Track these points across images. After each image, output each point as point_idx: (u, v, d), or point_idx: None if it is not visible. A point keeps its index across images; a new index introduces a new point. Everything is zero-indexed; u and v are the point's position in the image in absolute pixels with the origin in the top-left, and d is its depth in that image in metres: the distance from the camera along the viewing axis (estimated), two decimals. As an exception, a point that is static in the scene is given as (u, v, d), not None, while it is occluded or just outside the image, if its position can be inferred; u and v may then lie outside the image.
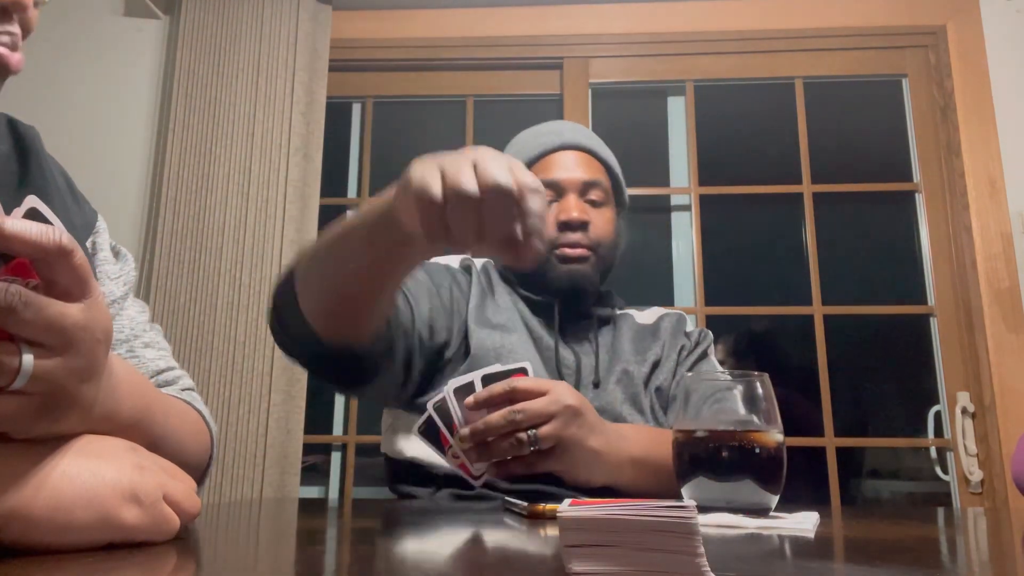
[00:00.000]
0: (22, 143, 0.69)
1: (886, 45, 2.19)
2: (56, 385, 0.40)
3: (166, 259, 1.96)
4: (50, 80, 2.16)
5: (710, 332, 1.23)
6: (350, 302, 0.77)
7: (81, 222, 0.71)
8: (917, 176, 2.14)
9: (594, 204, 1.16)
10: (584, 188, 1.16)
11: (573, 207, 1.13)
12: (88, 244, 0.71)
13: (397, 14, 2.26)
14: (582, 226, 1.13)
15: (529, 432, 0.83)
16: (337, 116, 2.29)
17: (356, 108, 2.37)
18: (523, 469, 0.86)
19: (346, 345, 0.81)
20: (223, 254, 1.96)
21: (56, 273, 0.39)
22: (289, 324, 0.82)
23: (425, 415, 0.86)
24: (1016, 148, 2.02)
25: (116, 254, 0.75)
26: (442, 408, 0.85)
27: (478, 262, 1.20)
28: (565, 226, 1.13)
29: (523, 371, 0.87)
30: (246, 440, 1.87)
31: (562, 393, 0.85)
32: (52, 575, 0.37)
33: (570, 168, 1.16)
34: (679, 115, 2.28)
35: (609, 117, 2.25)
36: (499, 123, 2.35)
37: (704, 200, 2.18)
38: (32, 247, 0.38)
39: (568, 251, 1.12)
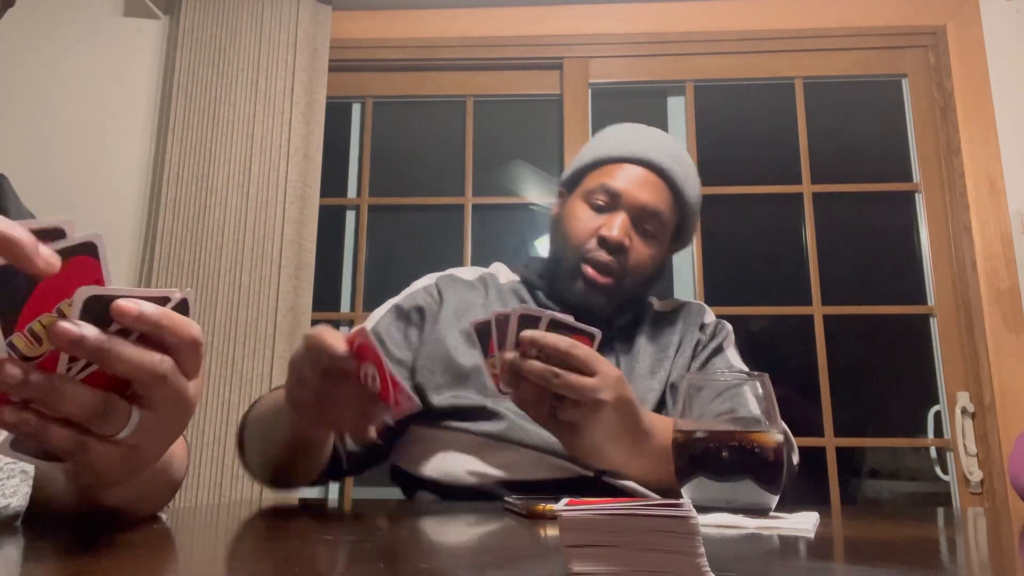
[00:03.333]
0: None
1: (886, 45, 2.19)
2: (147, 442, 0.46)
3: (166, 259, 1.96)
4: (50, 80, 2.16)
5: (728, 324, 1.17)
6: (285, 469, 0.95)
7: None
8: (917, 176, 2.14)
9: (644, 234, 1.09)
10: (641, 213, 1.08)
11: (618, 226, 1.06)
12: None
13: (397, 14, 2.26)
14: (619, 249, 1.06)
15: (554, 398, 0.82)
16: (337, 116, 2.29)
17: (356, 108, 2.37)
18: (537, 419, 0.85)
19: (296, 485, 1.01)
20: (223, 254, 1.96)
21: (187, 358, 0.45)
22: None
23: (486, 319, 0.85)
24: (1016, 148, 2.02)
25: None
26: (501, 323, 0.84)
27: (462, 276, 1.17)
28: (603, 242, 1.06)
29: (591, 337, 0.84)
30: (246, 440, 1.87)
31: (606, 385, 0.81)
32: (52, 573, 0.37)
33: (636, 185, 1.08)
34: (679, 115, 2.28)
35: (609, 117, 2.24)
36: (499, 123, 2.35)
37: (704, 200, 2.17)
38: (182, 340, 0.44)
39: (592, 274, 1.06)
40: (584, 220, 1.10)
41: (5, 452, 0.44)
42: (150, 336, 0.43)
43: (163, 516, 0.65)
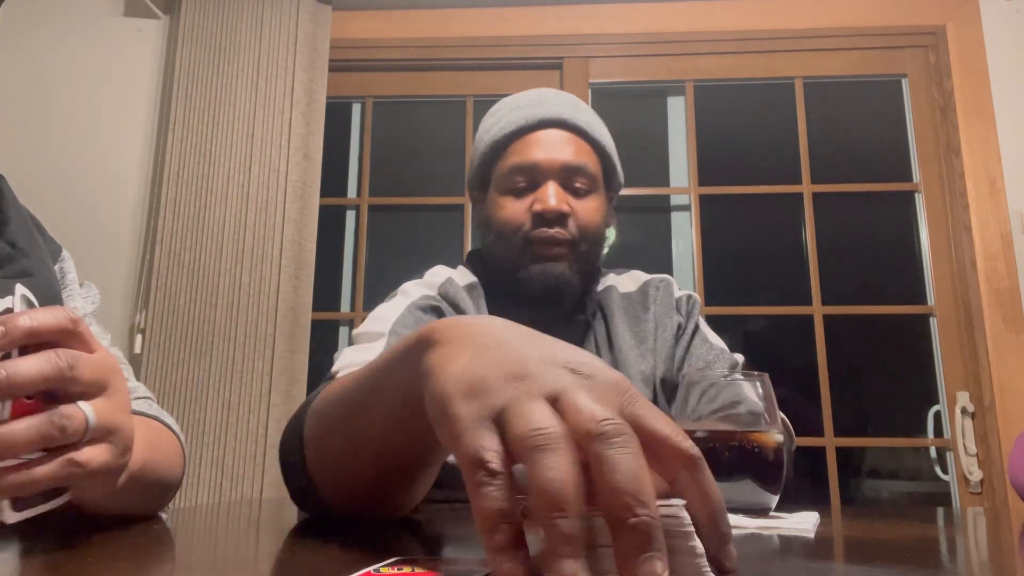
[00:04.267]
0: None
1: (886, 45, 2.19)
2: (115, 423, 0.45)
3: (166, 259, 1.96)
4: (50, 80, 2.16)
5: (696, 297, 1.11)
6: (386, 485, 0.55)
7: (48, 251, 0.75)
8: (917, 176, 2.14)
9: (577, 193, 1.01)
10: (566, 174, 1.01)
11: (551, 195, 0.98)
12: (56, 269, 0.75)
13: (397, 14, 2.26)
14: (560, 219, 0.99)
15: None
16: (337, 116, 2.29)
17: (356, 108, 2.37)
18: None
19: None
20: (223, 254, 1.96)
21: (72, 341, 0.44)
22: (305, 499, 0.62)
23: None
24: (1016, 148, 2.02)
25: (80, 284, 0.78)
26: None
27: (460, 283, 1.05)
28: (540, 218, 0.99)
29: None
30: (246, 440, 1.87)
31: None
32: (52, 574, 0.37)
33: (552, 149, 1.01)
34: (679, 115, 2.28)
35: (609, 117, 2.23)
36: (499, 123, 2.35)
37: (704, 200, 2.18)
38: (55, 330, 0.43)
39: (542, 249, 0.99)
40: (510, 208, 1.02)
41: (14, 519, 0.42)
42: (27, 346, 0.41)
43: (163, 516, 0.65)
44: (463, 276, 1.08)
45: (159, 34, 2.20)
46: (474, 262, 1.12)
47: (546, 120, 1.02)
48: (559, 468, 0.29)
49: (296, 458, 0.60)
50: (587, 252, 1.02)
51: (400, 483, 0.55)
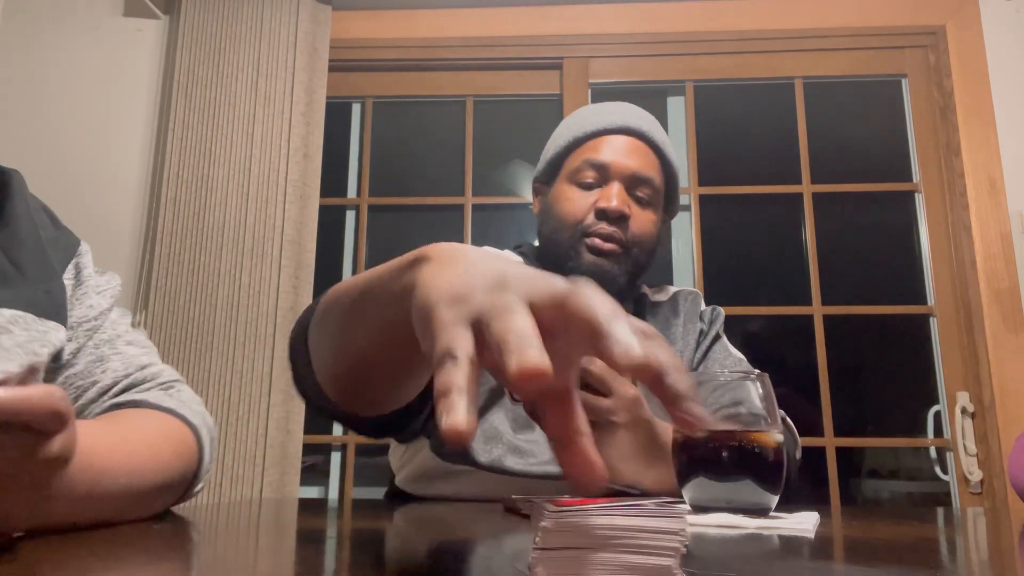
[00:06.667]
0: (2, 186, 0.72)
1: (886, 45, 2.19)
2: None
3: (166, 259, 1.96)
4: (50, 80, 2.16)
5: (721, 310, 1.16)
6: (368, 382, 0.59)
7: (64, 244, 0.75)
8: (917, 176, 2.14)
9: (639, 202, 1.06)
10: (633, 181, 1.05)
11: (615, 195, 1.02)
12: (72, 265, 0.74)
13: (397, 14, 2.26)
14: (621, 219, 1.03)
15: None
16: (337, 116, 2.29)
17: (356, 108, 2.37)
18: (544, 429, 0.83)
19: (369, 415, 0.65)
20: (223, 254, 1.96)
21: (51, 427, 0.42)
22: (305, 387, 0.66)
23: None
24: (1016, 148, 2.02)
25: (100, 274, 0.78)
26: None
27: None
28: (603, 215, 1.03)
29: None
30: (246, 440, 1.87)
31: (620, 407, 0.79)
32: (52, 574, 0.37)
33: (623, 154, 1.05)
34: (679, 115, 2.28)
35: (609, 117, 2.25)
36: (499, 123, 2.35)
37: (704, 200, 2.18)
38: (48, 416, 0.40)
39: (598, 243, 1.02)
40: (576, 200, 1.06)
41: None
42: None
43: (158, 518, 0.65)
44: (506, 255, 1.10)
45: (159, 34, 2.20)
46: (525, 251, 1.15)
47: (627, 128, 1.07)
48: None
49: (300, 346, 0.64)
50: (637, 258, 1.06)
51: (382, 385, 0.58)
